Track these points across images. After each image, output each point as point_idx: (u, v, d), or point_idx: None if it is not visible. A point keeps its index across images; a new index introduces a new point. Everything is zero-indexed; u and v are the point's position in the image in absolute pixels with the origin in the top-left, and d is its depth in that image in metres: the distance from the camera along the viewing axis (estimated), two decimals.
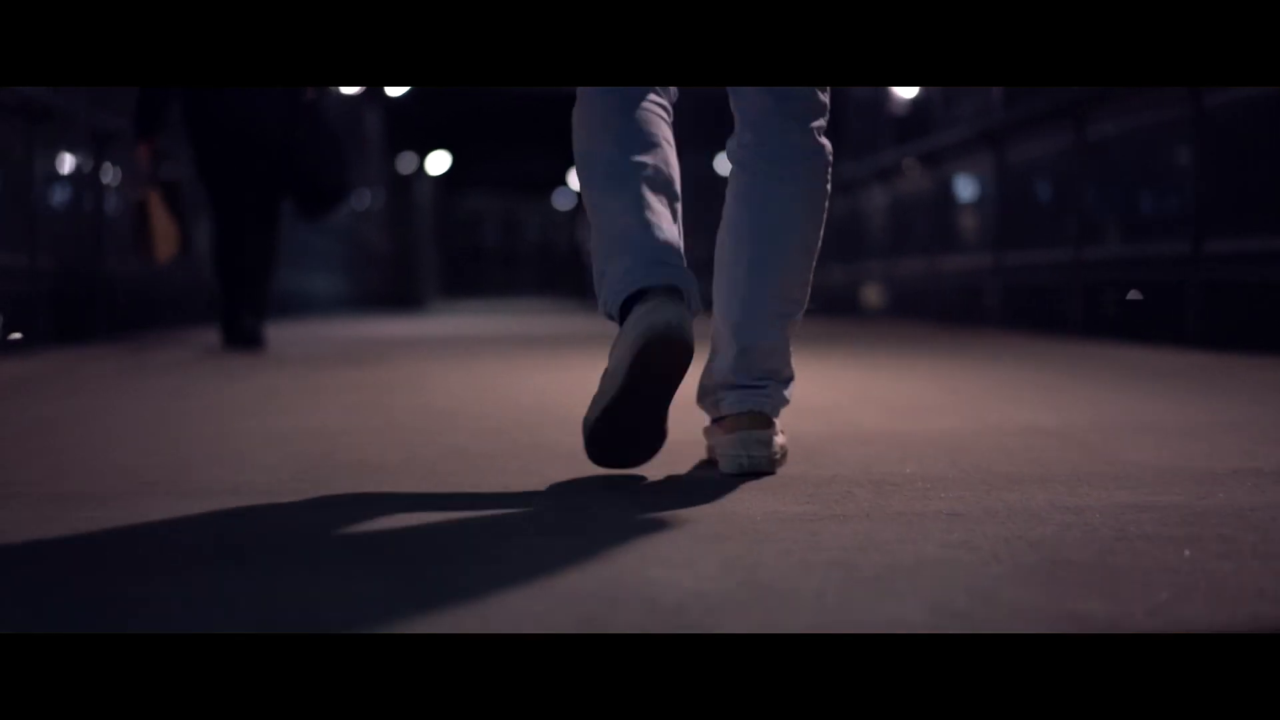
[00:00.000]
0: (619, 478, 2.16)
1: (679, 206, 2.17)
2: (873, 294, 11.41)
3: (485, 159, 31.85)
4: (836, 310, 12.18)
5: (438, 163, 29.34)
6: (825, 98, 2.26)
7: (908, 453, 2.44)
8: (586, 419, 2.13)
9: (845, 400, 3.59)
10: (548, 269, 39.23)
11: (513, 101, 25.12)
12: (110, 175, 7.67)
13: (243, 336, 6.31)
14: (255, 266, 6.39)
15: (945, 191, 9.52)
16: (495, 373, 4.92)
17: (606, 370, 2.08)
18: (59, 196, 7.10)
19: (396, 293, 23.77)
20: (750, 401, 2.22)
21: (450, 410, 3.42)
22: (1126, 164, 6.69)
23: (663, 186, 2.13)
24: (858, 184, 11.70)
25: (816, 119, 2.25)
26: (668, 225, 2.11)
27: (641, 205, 2.10)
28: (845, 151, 12.19)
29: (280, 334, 8.05)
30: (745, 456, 2.19)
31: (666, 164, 2.15)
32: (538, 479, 2.16)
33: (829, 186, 2.25)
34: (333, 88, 6.79)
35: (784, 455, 2.29)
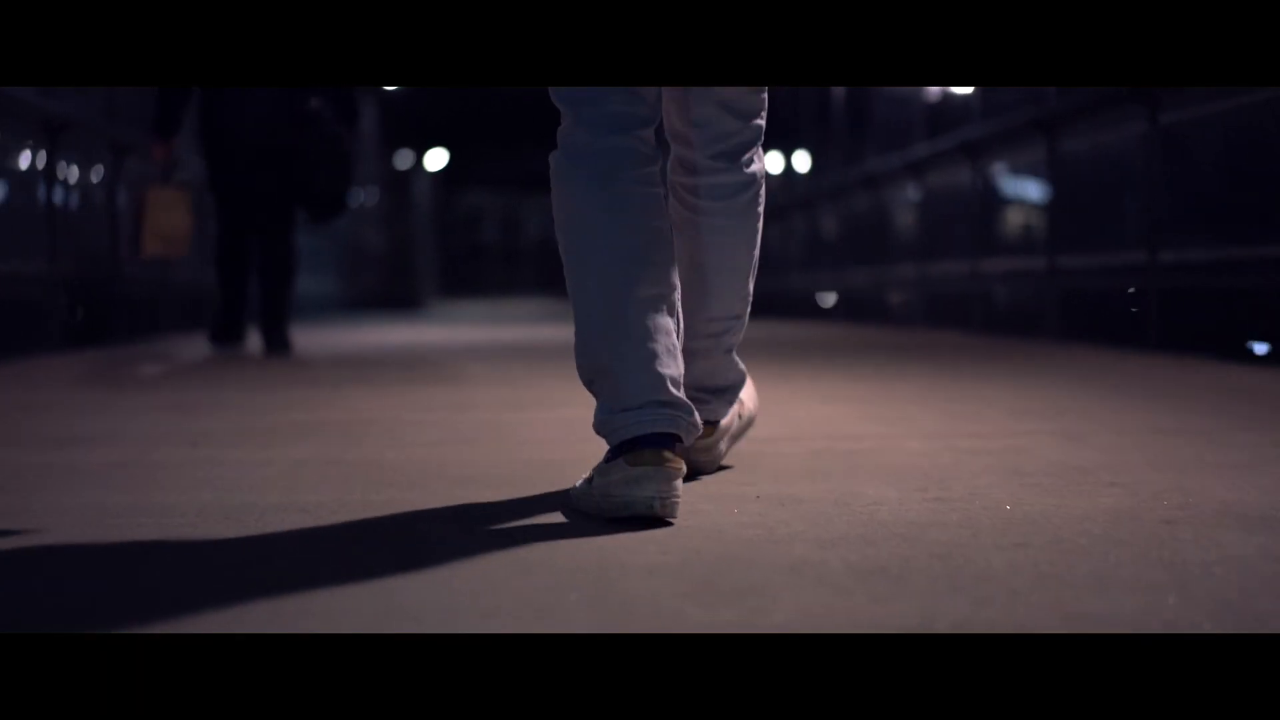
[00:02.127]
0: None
1: (678, 300, 2.14)
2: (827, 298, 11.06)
3: (484, 155, 31.40)
4: (860, 314, 11.37)
5: (436, 159, 28.85)
6: (759, 122, 2.32)
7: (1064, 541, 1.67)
8: (576, 495, 2.14)
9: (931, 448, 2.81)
10: (549, 267, 38.57)
11: (513, 97, 24.68)
12: (123, 183, 8.12)
13: (271, 344, 6.66)
14: (277, 273, 6.64)
15: (988, 186, 8.71)
16: (497, 406, 4.14)
17: (592, 492, 2.07)
18: (74, 204, 7.48)
19: (393, 293, 23.21)
20: (701, 413, 2.35)
21: (418, 475, 2.63)
22: (1211, 154, 5.89)
23: (663, 296, 2.10)
24: (885, 179, 10.90)
25: (750, 150, 2.32)
26: (664, 349, 2.07)
27: (640, 332, 2.06)
28: (871, 144, 11.39)
29: (252, 341, 7.27)
30: (692, 462, 2.38)
31: (664, 265, 2.11)
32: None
33: (760, 208, 2.35)
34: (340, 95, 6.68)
35: (748, 424, 2.56)
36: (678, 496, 2.01)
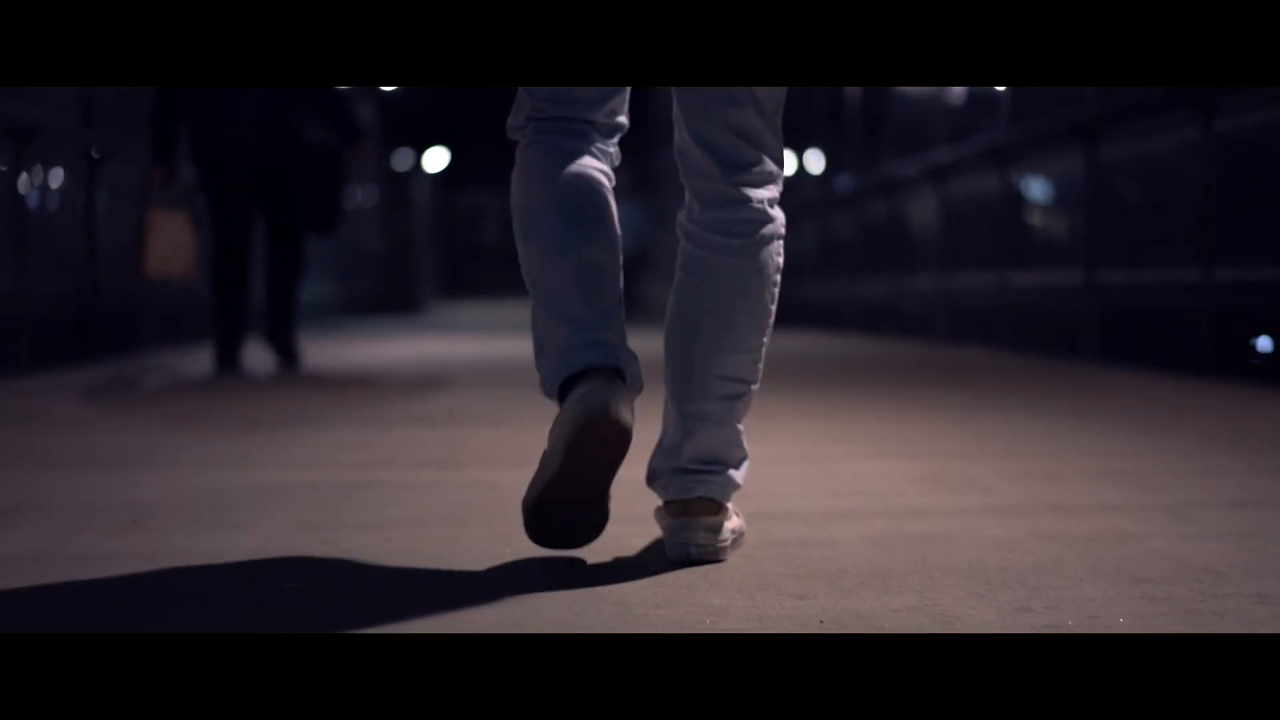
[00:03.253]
0: (557, 559, 2.15)
1: (621, 279, 2.15)
2: None
3: (484, 154, 31.06)
4: (877, 325, 10.87)
5: (435, 160, 28.46)
6: (778, 167, 2.23)
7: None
8: (525, 500, 2.14)
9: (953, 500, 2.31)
10: None
11: (512, 95, 24.20)
12: (103, 194, 7.93)
13: (279, 355, 6.60)
14: (283, 286, 6.57)
15: (1017, 194, 8.20)
16: (494, 460, 3.64)
17: (546, 452, 2.09)
18: (52, 214, 7.30)
19: (391, 296, 22.75)
20: (699, 487, 2.21)
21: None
22: (1274, 164, 5.40)
23: (605, 259, 2.12)
24: (903, 185, 10.39)
25: (766, 189, 2.22)
26: (610, 301, 2.11)
27: (582, 280, 2.10)
28: (888, 148, 10.89)
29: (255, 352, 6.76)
30: (693, 545, 2.18)
31: (609, 234, 2.13)
32: None
33: (780, 258, 2.23)
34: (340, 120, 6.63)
35: (738, 540, 2.27)
36: (718, 543, 2.16)
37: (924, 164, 9.86)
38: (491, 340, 11.03)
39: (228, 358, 6.52)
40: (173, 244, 6.69)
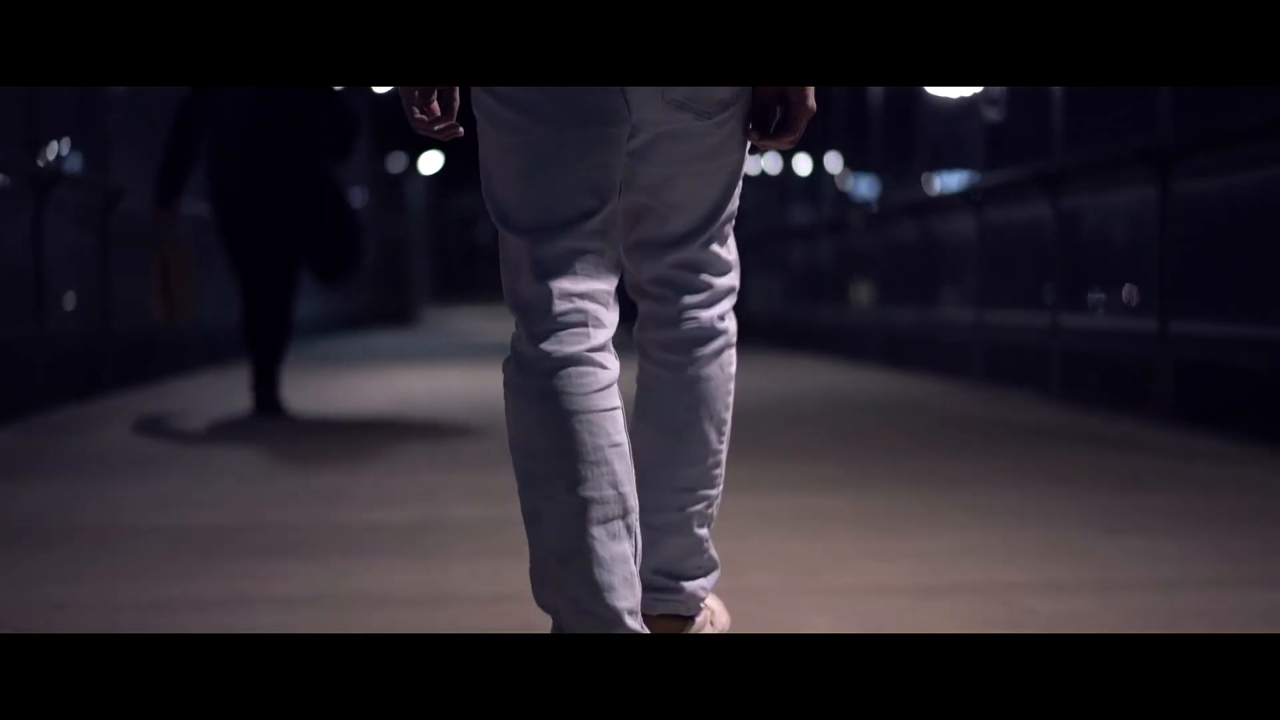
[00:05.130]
0: None
1: (635, 521, 2.04)
2: None
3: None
4: (902, 358, 10.07)
5: (430, 162, 27.83)
6: (732, 279, 2.25)
7: None
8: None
9: None
10: None
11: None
12: (115, 233, 8.09)
13: (264, 405, 6.60)
14: (275, 332, 6.56)
15: (1072, 226, 7.40)
16: (479, 596, 2.86)
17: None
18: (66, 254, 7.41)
19: (384, 306, 22.01)
20: (660, 605, 2.26)
21: None
22: None
23: (621, 517, 2.02)
24: (936, 206, 9.61)
25: (718, 305, 2.24)
26: (621, 579, 2.00)
27: (597, 561, 2.00)
28: (918, 164, 10.10)
29: (185, 393, 5.99)
30: None
31: (622, 486, 2.02)
32: None
33: (733, 367, 2.26)
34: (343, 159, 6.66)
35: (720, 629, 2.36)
36: None
37: (960, 186, 9.08)
38: (489, 370, 10.21)
39: (266, 400, 6.59)
40: (176, 288, 6.68)
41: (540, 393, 2.01)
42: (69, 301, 7.55)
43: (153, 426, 6.47)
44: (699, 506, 2.26)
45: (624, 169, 2.10)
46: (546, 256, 2.02)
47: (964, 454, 5.38)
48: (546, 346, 2.01)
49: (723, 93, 2.05)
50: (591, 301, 2.03)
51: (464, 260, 40.03)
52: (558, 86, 1.99)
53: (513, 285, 2.06)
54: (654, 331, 2.26)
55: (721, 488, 2.29)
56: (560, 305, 2.02)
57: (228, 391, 8.09)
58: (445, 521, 3.89)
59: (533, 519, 2.03)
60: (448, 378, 9.88)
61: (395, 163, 24.84)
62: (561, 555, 2.00)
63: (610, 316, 2.06)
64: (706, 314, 2.24)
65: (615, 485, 2.01)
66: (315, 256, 6.53)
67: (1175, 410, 6.10)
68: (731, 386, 2.28)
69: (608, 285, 2.06)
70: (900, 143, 10.37)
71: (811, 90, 2.06)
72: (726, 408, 2.27)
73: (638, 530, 2.05)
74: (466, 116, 2.11)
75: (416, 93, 2.00)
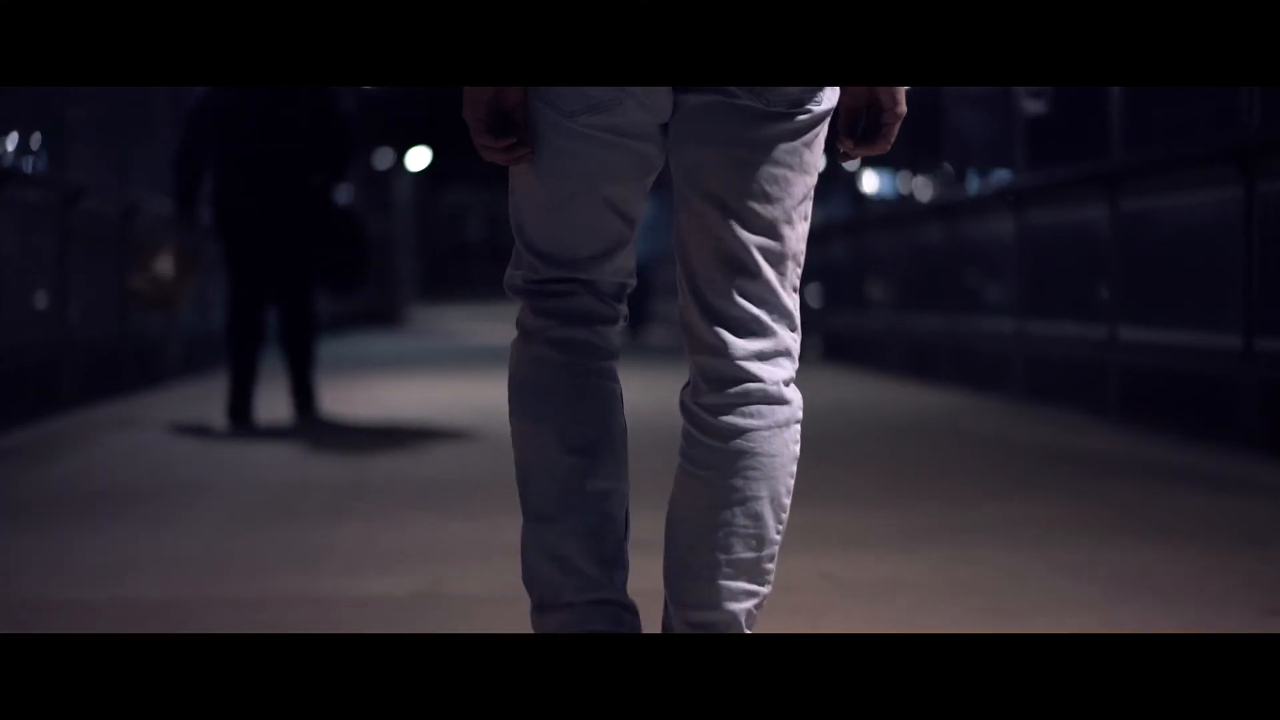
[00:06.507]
0: None
1: (626, 511, 2.08)
2: None
3: (467, 152, 30.08)
4: (927, 369, 9.38)
5: (418, 158, 27.30)
6: (794, 339, 2.04)
7: None
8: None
9: None
10: None
11: None
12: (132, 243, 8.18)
13: (299, 411, 6.67)
14: (299, 341, 6.63)
15: (1131, 232, 6.71)
16: None
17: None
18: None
19: (370, 307, 21.31)
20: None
21: None
22: None
23: (613, 509, 2.05)
24: (968, 208, 8.92)
25: (782, 366, 2.02)
26: (613, 544, 2.03)
27: (587, 526, 2.02)
28: (947, 162, 9.41)
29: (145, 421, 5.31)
30: None
31: (617, 467, 2.07)
32: None
33: (797, 446, 2.03)
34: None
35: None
36: None
37: (999, 184, 8.40)
38: (485, 380, 9.48)
39: (239, 412, 6.49)
40: (162, 270, 6.76)
41: (542, 359, 2.05)
42: (21, 308, 6.86)
43: (113, 454, 5.78)
44: (749, 601, 2.02)
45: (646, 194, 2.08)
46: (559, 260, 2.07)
47: (1034, 493, 4.71)
48: (548, 320, 2.07)
49: (792, 89, 1.94)
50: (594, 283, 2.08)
51: (453, 256, 39.63)
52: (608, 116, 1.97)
53: (514, 269, 2.11)
54: (710, 394, 2.01)
55: (771, 585, 2.05)
56: (555, 254, 2.05)
57: (200, 406, 7.40)
58: (442, 597, 3.20)
59: (525, 476, 2.06)
60: (439, 389, 9.18)
61: (382, 159, 24.25)
62: (551, 513, 2.03)
63: (614, 310, 2.10)
64: (774, 374, 2.00)
65: (613, 446, 2.06)
66: (322, 265, 6.61)
67: (1263, 438, 5.42)
68: (795, 468, 2.03)
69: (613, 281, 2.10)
70: (924, 138, 9.65)
71: (903, 93, 1.97)
72: (789, 492, 2.02)
73: (628, 503, 2.08)
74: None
75: (489, 118, 1.95)
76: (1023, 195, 7.85)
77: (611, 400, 2.08)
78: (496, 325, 20.99)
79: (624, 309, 2.11)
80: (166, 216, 7.53)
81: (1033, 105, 7.82)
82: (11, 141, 6.71)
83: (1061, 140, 7.58)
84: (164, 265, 6.72)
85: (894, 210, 10.75)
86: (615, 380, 2.10)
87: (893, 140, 2.01)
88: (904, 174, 10.78)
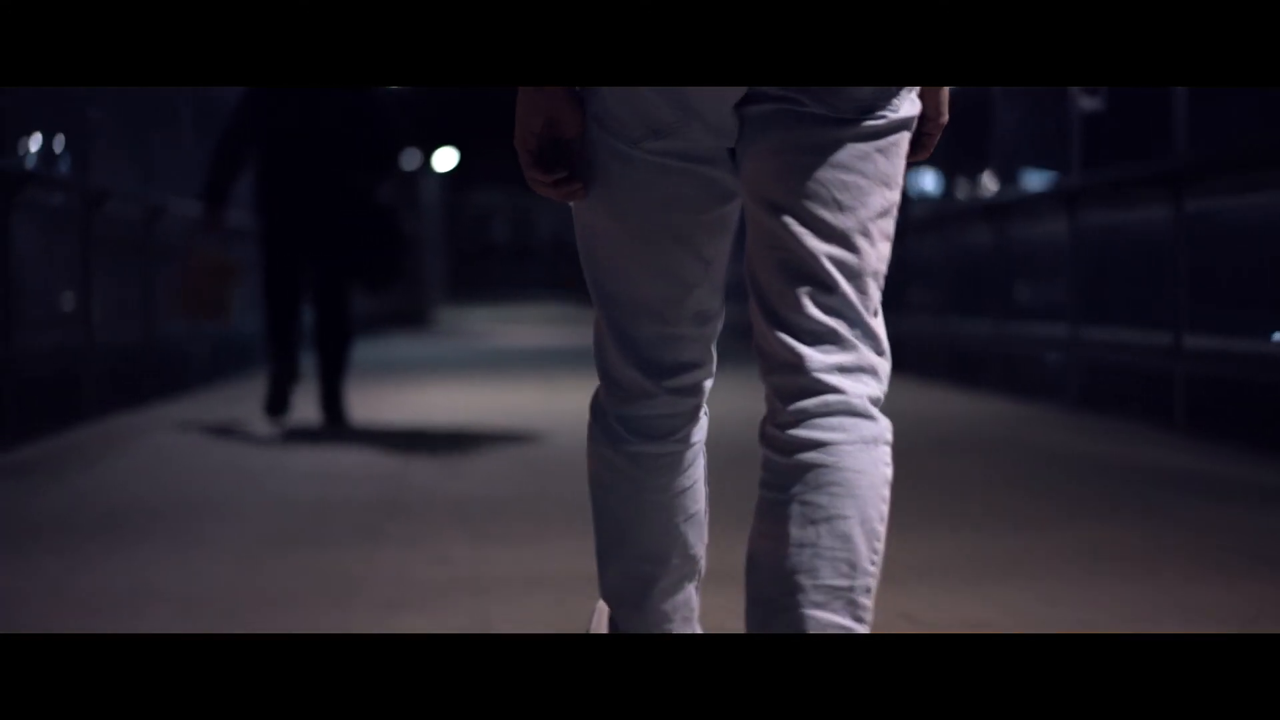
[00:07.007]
0: None
1: (701, 558, 2.06)
2: None
3: (493, 153, 30.03)
4: (973, 377, 9.10)
5: (445, 160, 27.17)
6: (881, 359, 1.84)
7: None
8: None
9: None
10: (562, 266, 37.12)
11: (512, 93, 23.14)
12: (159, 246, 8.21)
13: (328, 417, 6.64)
14: (334, 343, 6.63)
15: (1200, 232, 6.42)
16: None
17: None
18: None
19: (399, 309, 21.15)
20: None
21: None
22: None
23: (686, 576, 2.05)
24: (1017, 209, 8.63)
25: (866, 383, 1.82)
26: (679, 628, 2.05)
27: (659, 618, 2.04)
28: (994, 161, 9.12)
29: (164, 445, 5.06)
30: None
31: (687, 545, 2.02)
32: None
33: (889, 469, 1.82)
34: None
35: None
36: None
37: (1045, 184, 8.11)
38: (515, 389, 9.23)
39: (276, 405, 6.59)
40: (211, 285, 6.71)
41: (616, 467, 1.99)
42: (43, 313, 6.64)
43: (135, 467, 5.55)
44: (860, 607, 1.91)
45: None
46: (638, 339, 1.96)
47: (1114, 517, 4.42)
48: (626, 428, 1.98)
49: (862, 93, 1.81)
50: (680, 379, 1.97)
51: (479, 257, 39.63)
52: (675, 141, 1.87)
53: (600, 355, 2.00)
54: (789, 411, 1.82)
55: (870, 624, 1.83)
56: (649, 388, 1.95)
57: (228, 411, 7.17)
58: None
59: (602, 558, 2.05)
60: (469, 393, 8.93)
61: (409, 159, 24.13)
62: (621, 602, 2.05)
63: (701, 385, 2.00)
64: (858, 388, 1.82)
65: (686, 549, 2.02)
66: (358, 262, 6.61)
67: None
68: (888, 492, 1.83)
69: (697, 358, 1.98)
70: (970, 137, 9.37)
71: (947, 102, 1.93)
72: (883, 519, 1.82)
73: (701, 570, 2.08)
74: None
75: (539, 149, 1.85)
76: (1077, 195, 7.56)
77: (689, 503, 2.03)
78: (523, 327, 20.77)
79: (702, 403, 2.02)
80: (193, 218, 7.52)
81: (1088, 103, 7.53)
82: (34, 144, 6.51)
83: (1119, 139, 7.29)
84: (209, 271, 6.62)
85: (940, 210, 10.46)
86: (696, 477, 2.03)
87: (933, 149, 1.96)
88: (951, 176, 10.49)
